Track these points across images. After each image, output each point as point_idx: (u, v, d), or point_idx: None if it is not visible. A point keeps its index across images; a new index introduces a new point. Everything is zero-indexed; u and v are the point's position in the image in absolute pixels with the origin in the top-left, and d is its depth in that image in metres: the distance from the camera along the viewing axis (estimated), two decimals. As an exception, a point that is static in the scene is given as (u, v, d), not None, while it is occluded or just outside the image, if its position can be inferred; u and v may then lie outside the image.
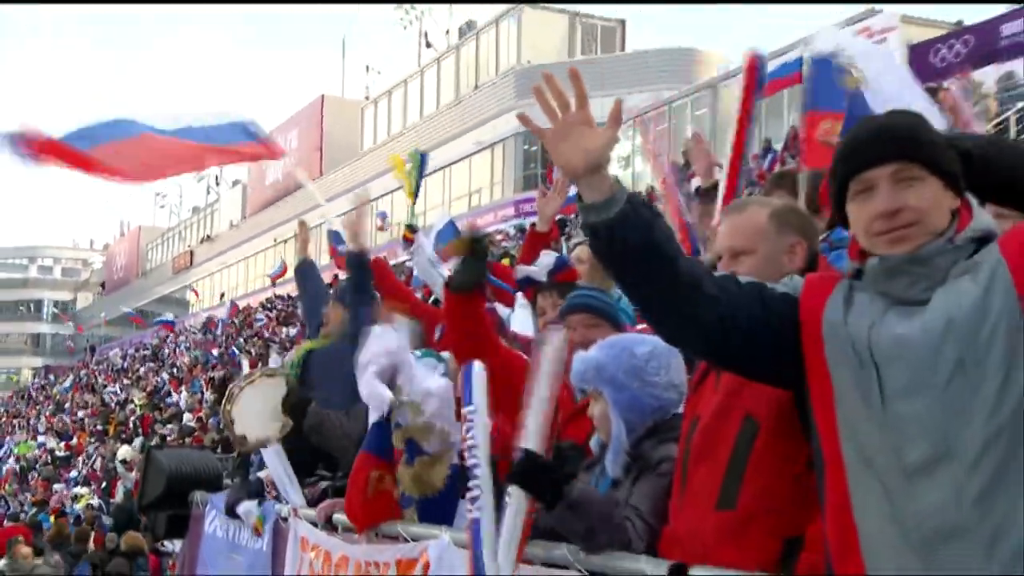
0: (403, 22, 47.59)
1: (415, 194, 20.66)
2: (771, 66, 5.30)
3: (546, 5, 39.50)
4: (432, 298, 6.60)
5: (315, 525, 4.32)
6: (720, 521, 2.42)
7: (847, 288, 2.11)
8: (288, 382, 4.92)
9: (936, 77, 11.94)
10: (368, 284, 5.53)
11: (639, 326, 4.51)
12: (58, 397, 46.40)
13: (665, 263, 2.13)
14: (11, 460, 34.90)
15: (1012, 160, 2.33)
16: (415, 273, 7.17)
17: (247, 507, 5.09)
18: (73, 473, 28.80)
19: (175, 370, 36.93)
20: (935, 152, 2.04)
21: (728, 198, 4.53)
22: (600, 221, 2.12)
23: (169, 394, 32.42)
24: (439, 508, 3.63)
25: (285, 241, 45.44)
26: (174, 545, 9.36)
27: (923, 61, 17.37)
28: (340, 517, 4.11)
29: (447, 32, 44.37)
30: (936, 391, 1.91)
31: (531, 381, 2.76)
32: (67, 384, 48.47)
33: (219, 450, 12.42)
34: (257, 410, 4.76)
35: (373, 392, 3.68)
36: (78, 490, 24.80)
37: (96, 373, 48.20)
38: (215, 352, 35.56)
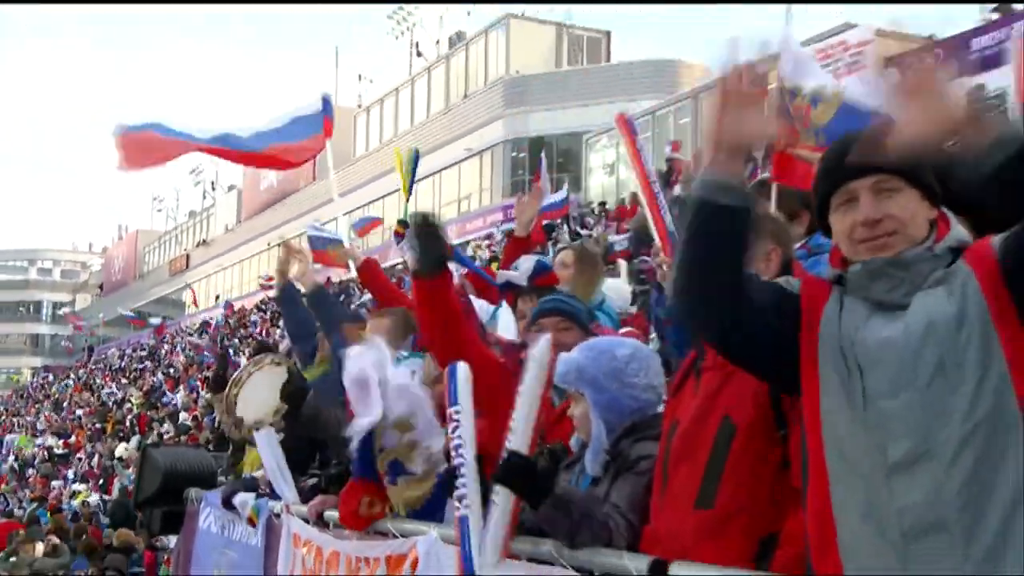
0: (395, 32, 47.60)
1: (409, 191, 20.68)
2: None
3: (533, 16, 39.60)
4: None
5: (307, 521, 4.31)
6: (699, 521, 2.44)
7: (840, 294, 2.14)
8: (290, 369, 4.87)
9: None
10: (330, 314, 5.44)
11: (623, 329, 4.56)
12: (57, 396, 46.15)
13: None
14: (10, 458, 34.70)
15: (964, 175, 2.36)
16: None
17: (243, 499, 5.08)
18: (71, 471, 28.66)
19: (171, 370, 36.79)
20: (913, 164, 2.07)
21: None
22: (717, 202, 2.09)
23: (165, 394, 32.30)
24: (428, 505, 3.62)
25: (279, 244, 45.35)
26: (169, 540, 9.35)
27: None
28: (331, 514, 4.10)
29: (437, 42, 44.39)
30: (918, 391, 1.94)
31: (518, 384, 2.77)
32: (66, 383, 48.21)
33: (213, 448, 12.36)
34: (261, 396, 4.73)
35: (358, 424, 3.50)
36: (76, 487, 24.69)
37: (94, 373, 47.96)
38: (207, 353, 35.41)
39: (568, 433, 3.08)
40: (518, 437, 2.70)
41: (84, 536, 13.71)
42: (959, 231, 2.11)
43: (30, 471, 31.11)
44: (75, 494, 23.05)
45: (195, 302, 54.59)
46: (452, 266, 3.87)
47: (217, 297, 54.42)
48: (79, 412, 38.02)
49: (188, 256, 62.66)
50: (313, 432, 4.72)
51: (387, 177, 35.49)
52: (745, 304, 2.15)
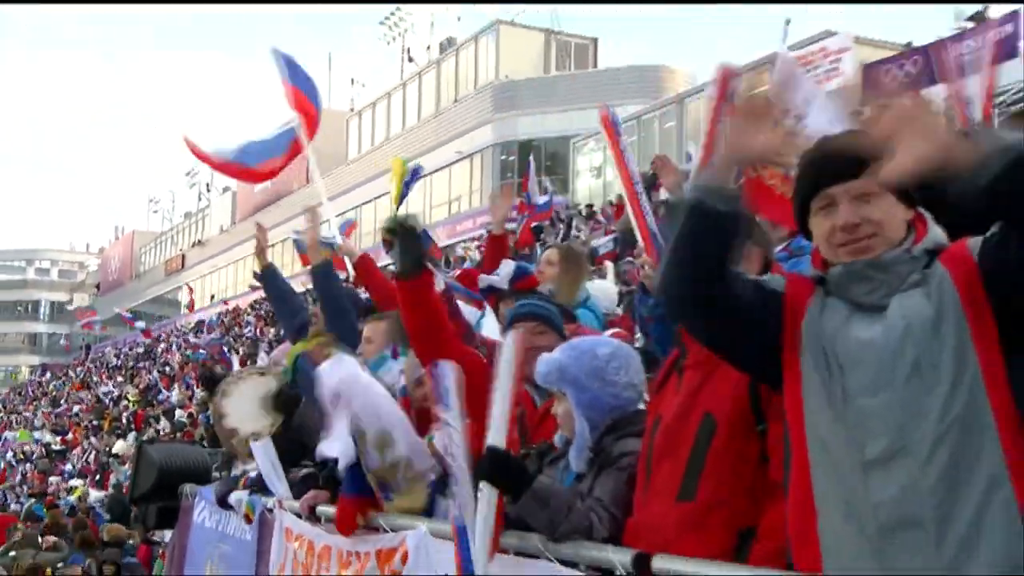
0: (387, 38, 47.57)
1: (400, 201, 20.57)
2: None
3: (523, 23, 39.62)
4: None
5: (299, 516, 4.31)
6: (681, 513, 2.45)
7: (822, 295, 2.16)
8: (278, 380, 4.88)
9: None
10: (330, 289, 5.33)
11: (609, 331, 4.56)
12: (54, 394, 45.93)
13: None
14: (8, 454, 34.51)
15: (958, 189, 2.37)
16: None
17: (238, 495, 5.08)
18: (68, 466, 28.53)
19: (167, 368, 36.66)
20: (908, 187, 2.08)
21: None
22: (712, 206, 2.11)
23: (161, 391, 32.18)
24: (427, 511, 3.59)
25: (272, 246, 45.16)
26: (164, 535, 9.32)
27: (874, 81, 17.53)
28: (323, 509, 4.10)
29: (428, 48, 44.36)
30: (895, 391, 1.95)
31: (492, 380, 2.77)
32: (63, 381, 47.98)
33: (208, 444, 12.32)
34: (248, 406, 4.72)
35: (344, 447, 3.48)
36: (73, 482, 24.57)
37: (91, 371, 47.76)
38: (202, 351, 35.30)
39: (552, 432, 3.08)
40: (495, 432, 2.71)
41: (82, 531, 13.63)
42: (936, 233, 2.12)
43: (28, 466, 30.95)
44: (72, 489, 22.95)
45: (191, 307, 54.25)
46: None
47: (212, 297, 54.25)
48: (76, 409, 37.86)
49: (184, 256, 62.45)
50: (301, 437, 4.73)
51: (380, 180, 35.44)
52: (731, 301, 2.16)
